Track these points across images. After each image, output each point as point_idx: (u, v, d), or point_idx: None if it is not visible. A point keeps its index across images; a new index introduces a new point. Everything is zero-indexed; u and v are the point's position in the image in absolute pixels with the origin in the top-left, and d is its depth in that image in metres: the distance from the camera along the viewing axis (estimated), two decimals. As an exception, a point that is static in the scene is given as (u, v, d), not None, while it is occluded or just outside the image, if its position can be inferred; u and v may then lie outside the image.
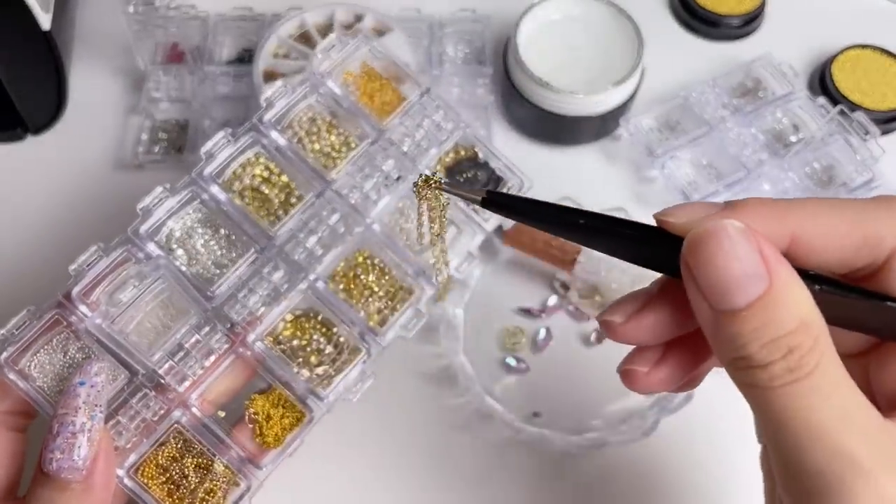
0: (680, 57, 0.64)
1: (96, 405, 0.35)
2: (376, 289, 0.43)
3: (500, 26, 0.62)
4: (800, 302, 0.27)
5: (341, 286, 0.43)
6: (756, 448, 0.37)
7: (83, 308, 0.39)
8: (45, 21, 0.53)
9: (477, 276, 0.53)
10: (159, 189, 0.42)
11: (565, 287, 0.52)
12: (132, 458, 0.38)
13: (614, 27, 0.58)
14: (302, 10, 0.60)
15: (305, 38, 0.59)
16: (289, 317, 0.42)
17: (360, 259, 0.44)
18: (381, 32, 0.60)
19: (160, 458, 0.39)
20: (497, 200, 0.31)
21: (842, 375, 0.27)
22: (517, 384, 0.50)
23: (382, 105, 0.46)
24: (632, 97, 0.57)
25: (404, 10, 0.61)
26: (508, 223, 0.52)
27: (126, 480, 0.38)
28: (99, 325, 0.39)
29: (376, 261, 0.44)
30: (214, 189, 0.42)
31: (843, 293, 0.28)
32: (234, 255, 0.42)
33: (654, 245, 0.29)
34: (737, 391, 0.34)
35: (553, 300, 0.52)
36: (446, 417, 0.48)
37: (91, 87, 0.60)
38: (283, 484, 0.46)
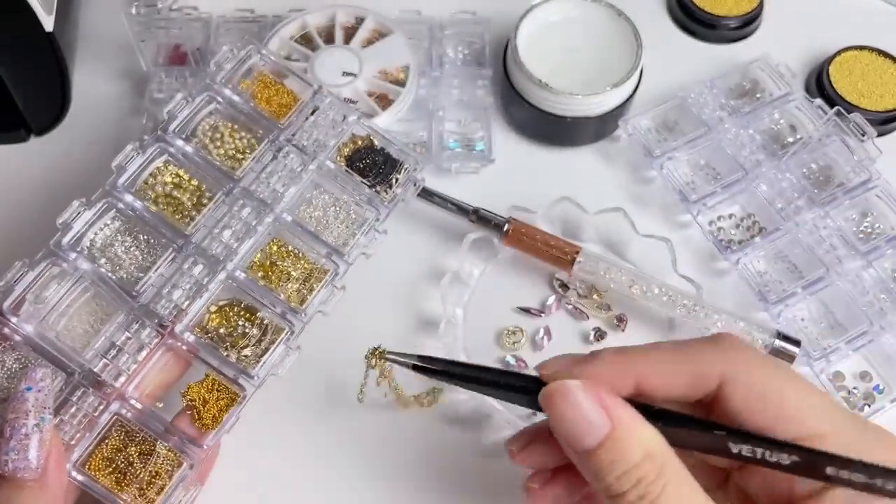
0: (678, 58, 0.64)
1: (44, 408, 0.37)
2: (293, 272, 0.46)
3: (500, 28, 0.62)
4: (642, 437, 0.32)
5: (260, 274, 0.45)
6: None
7: (14, 320, 0.41)
8: (48, 23, 0.53)
9: (477, 276, 0.53)
10: (76, 203, 0.44)
11: (564, 286, 0.53)
12: (77, 452, 0.40)
13: (613, 29, 0.58)
14: (303, 11, 0.60)
15: (307, 40, 0.60)
16: (213, 308, 0.44)
17: (275, 248, 0.46)
18: (381, 34, 0.60)
19: (105, 450, 0.40)
20: (425, 366, 0.37)
21: (689, 494, 0.31)
22: (517, 383, 0.50)
23: (280, 108, 0.49)
24: (630, 98, 0.58)
25: (405, 11, 0.62)
26: (513, 221, 0.52)
27: (74, 474, 0.40)
28: (31, 330, 0.41)
29: (290, 248, 0.47)
30: (129, 198, 0.45)
31: (679, 425, 0.33)
32: (154, 258, 0.44)
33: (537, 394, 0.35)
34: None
35: (552, 299, 0.52)
36: (446, 417, 0.49)
37: (94, 88, 0.60)
38: (286, 484, 0.46)
